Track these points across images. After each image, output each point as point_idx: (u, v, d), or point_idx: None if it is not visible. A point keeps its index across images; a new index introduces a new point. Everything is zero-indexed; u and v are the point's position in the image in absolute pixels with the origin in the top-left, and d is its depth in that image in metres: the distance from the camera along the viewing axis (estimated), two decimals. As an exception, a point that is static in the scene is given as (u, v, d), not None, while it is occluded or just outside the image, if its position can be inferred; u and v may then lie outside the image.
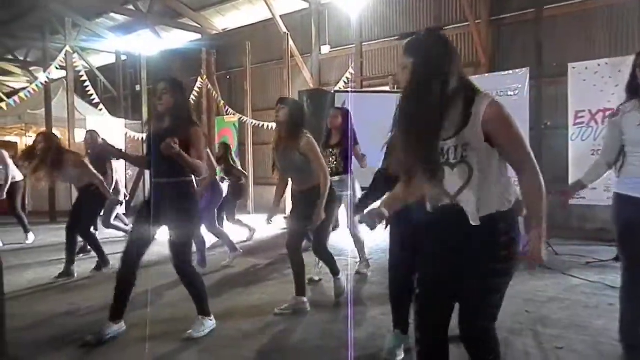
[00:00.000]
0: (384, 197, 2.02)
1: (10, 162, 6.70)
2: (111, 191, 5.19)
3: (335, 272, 3.85)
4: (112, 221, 5.91)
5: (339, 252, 5.02)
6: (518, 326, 3.16)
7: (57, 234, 7.49)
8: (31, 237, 7.02)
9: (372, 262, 4.98)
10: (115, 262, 5.28)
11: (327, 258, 3.82)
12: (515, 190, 1.74)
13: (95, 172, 4.88)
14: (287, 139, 3.48)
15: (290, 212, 3.74)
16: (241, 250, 5.46)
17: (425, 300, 1.81)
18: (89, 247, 5.36)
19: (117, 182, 5.82)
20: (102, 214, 5.46)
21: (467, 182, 1.65)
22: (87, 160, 5.02)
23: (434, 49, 1.67)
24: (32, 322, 3.45)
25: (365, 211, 2.00)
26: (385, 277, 4.54)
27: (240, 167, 6.74)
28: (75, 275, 4.85)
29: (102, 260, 5.01)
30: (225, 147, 6.86)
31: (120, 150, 3.52)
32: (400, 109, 1.71)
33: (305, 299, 3.62)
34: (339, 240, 5.51)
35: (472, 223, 1.66)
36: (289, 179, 3.75)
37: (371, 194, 2.91)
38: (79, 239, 5.03)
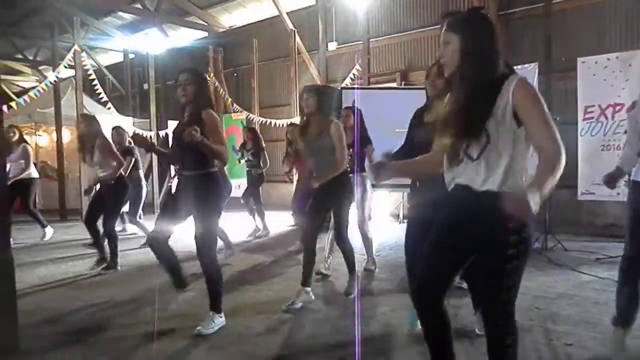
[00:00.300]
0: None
1: (31, 158, 6.86)
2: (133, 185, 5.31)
3: (352, 269, 3.89)
4: (138, 219, 6.05)
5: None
6: (528, 322, 3.14)
7: (68, 232, 7.59)
8: (49, 231, 7.07)
9: (380, 259, 4.99)
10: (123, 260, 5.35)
11: (349, 250, 3.84)
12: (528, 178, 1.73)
13: (120, 158, 4.97)
14: (317, 126, 3.63)
15: (310, 202, 3.75)
16: (232, 251, 5.38)
17: (423, 272, 1.86)
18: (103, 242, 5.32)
19: (140, 176, 5.92)
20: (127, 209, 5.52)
21: (481, 151, 1.67)
22: (114, 149, 5.08)
23: (480, 25, 1.72)
24: (44, 318, 3.49)
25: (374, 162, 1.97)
26: (393, 273, 4.59)
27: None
28: (119, 267, 4.99)
29: (113, 262, 5.00)
30: (254, 132, 7.08)
31: (153, 143, 3.59)
32: (450, 83, 1.79)
33: (309, 289, 3.67)
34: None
35: (477, 188, 1.69)
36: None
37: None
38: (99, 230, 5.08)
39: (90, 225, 4.97)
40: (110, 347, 2.96)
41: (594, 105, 6.21)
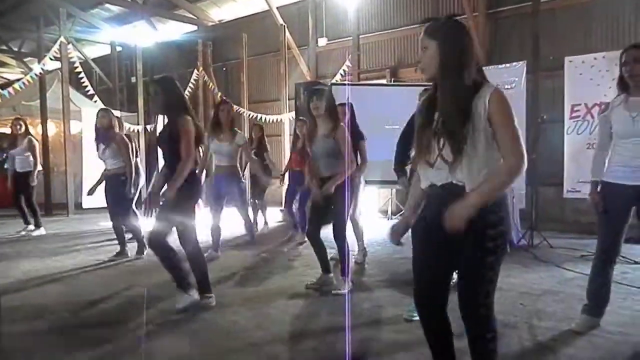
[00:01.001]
0: (409, 199, 2.08)
1: (37, 153, 6.89)
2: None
3: (326, 267, 3.97)
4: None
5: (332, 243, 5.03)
6: (513, 319, 3.18)
7: (53, 227, 7.50)
8: (42, 231, 6.99)
9: (368, 255, 4.99)
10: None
11: (343, 246, 3.89)
12: None
13: (130, 158, 5.09)
14: (325, 128, 3.78)
15: (313, 199, 3.92)
16: (219, 254, 5.29)
17: (423, 285, 1.91)
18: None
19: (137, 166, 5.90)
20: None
21: (458, 154, 1.72)
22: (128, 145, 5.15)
23: (457, 32, 1.77)
24: (27, 315, 3.44)
25: (390, 228, 2.04)
26: (381, 269, 4.61)
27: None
28: (129, 255, 5.19)
29: (122, 250, 5.24)
30: (261, 128, 7.12)
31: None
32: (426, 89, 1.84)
33: (331, 275, 3.97)
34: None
35: (452, 187, 1.75)
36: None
37: (399, 155, 3.66)
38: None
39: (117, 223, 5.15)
40: (96, 344, 2.93)
41: (580, 104, 6.28)
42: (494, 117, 1.70)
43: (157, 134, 3.57)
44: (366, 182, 5.07)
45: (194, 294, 3.45)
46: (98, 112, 5.23)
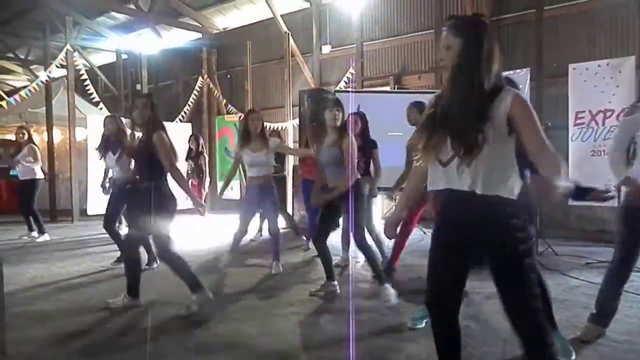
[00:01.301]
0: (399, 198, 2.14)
1: (39, 158, 6.91)
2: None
3: (379, 276, 3.87)
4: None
5: (337, 251, 5.03)
6: (518, 327, 3.15)
7: (57, 233, 7.52)
8: (46, 237, 7.01)
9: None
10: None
11: (369, 252, 3.87)
12: (520, 186, 1.79)
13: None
14: (332, 137, 3.87)
15: (323, 208, 3.94)
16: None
17: (436, 287, 1.91)
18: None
19: None
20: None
21: (476, 155, 1.71)
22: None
23: (483, 31, 1.76)
24: (32, 320, 3.45)
25: (386, 222, 2.13)
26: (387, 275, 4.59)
27: None
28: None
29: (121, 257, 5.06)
30: (279, 135, 7.14)
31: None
32: (447, 87, 1.82)
33: (335, 283, 4.03)
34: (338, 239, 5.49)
35: (477, 191, 1.73)
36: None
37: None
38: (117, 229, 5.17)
39: (110, 228, 5.00)
40: (101, 352, 2.93)
41: (584, 111, 6.26)
42: (518, 119, 1.69)
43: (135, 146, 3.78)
44: (378, 189, 5.05)
45: (207, 292, 3.61)
46: (105, 119, 5.23)
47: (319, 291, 3.99)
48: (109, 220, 4.98)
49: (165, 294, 4.11)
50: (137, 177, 3.75)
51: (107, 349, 2.95)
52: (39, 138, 11.35)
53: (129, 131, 4.46)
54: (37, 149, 6.95)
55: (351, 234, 3.86)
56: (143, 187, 3.59)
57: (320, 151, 3.94)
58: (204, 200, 7.70)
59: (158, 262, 4.90)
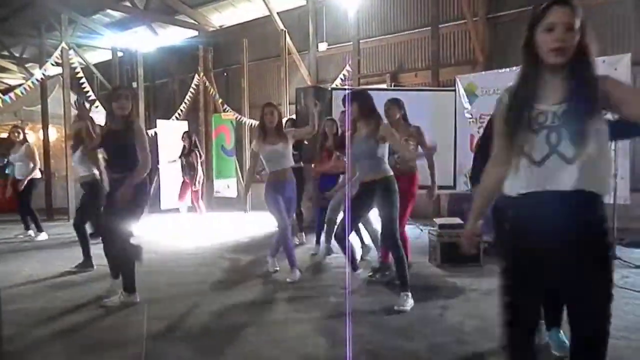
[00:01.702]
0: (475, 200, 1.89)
1: (37, 159, 6.90)
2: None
3: (404, 281, 3.60)
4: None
5: (337, 250, 5.03)
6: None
7: (54, 231, 7.49)
8: (44, 235, 7.00)
9: (370, 259, 4.99)
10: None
11: (399, 253, 3.58)
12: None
13: (98, 164, 5.03)
14: (372, 127, 3.59)
15: (354, 199, 3.67)
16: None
17: (521, 303, 1.68)
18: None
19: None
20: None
21: (581, 150, 1.53)
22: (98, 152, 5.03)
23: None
24: (29, 318, 3.44)
25: (466, 240, 1.91)
26: (383, 274, 4.59)
27: None
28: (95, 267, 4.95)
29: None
30: (295, 123, 6.77)
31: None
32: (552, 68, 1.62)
33: (358, 272, 4.21)
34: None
35: (568, 190, 1.54)
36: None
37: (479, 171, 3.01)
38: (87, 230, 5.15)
39: (80, 228, 4.98)
40: (97, 350, 2.92)
41: (580, 108, 6.27)
42: (618, 92, 1.54)
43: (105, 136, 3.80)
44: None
45: (137, 297, 3.72)
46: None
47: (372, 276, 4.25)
48: (81, 220, 5.01)
49: (162, 291, 4.11)
50: (99, 171, 3.91)
51: (103, 346, 2.94)
52: (35, 136, 11.32)
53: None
54: (34, 148, 6.93)
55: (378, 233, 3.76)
56: (115, 178, 3.67)
57: (353, 143, 3.71)
58: (199, 199, 7.68)
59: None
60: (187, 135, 7.81)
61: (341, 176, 4.76)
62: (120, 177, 3.62)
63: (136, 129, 3.63)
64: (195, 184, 7.50)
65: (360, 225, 4.80)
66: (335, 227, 4.05)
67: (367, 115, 3.64)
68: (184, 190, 7.61)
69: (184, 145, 7.66)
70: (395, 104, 4.36)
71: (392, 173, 3.65)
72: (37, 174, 6.90)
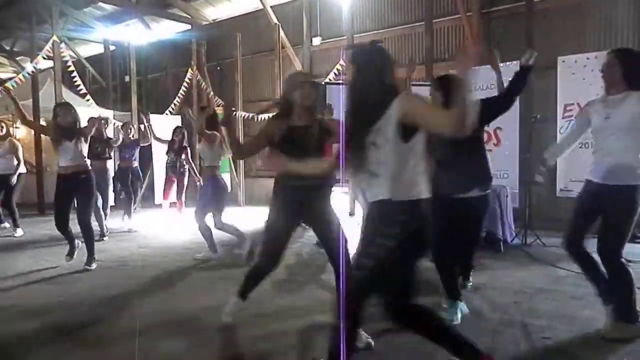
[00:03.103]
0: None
1: (20, 154, 6.84)
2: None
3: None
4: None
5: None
6: (507, 317, 3.19)
7: (46, 226, 7.44)
8: (19, 232, 6.94)
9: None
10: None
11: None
12: None
13: (84, 154, 4.95)
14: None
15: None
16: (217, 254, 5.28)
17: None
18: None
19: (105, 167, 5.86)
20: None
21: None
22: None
23: None
24: (22, 314, 3.42)
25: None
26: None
27: None
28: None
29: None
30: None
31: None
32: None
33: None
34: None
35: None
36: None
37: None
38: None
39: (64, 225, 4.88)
40: (90, 343, 2.92)
41: (573, 104, 6.31)
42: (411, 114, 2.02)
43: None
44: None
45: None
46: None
47: None
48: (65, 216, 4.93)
49: (154, 285, 4.10)
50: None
51: (97, 342, 2.93)
52: (25, 130, 11.21)
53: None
54: (18, 144, 6.83)
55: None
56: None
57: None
58: (182, 194, 7.55)
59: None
60: (179, 130, 7.72)
61: None
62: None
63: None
64: (184, 184, 7.43)
65: None
66: None
67: None
68: (169, 188, 7.51)
69: (174, 140, 7.48)
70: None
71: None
72: (21, 170, 6.85)
